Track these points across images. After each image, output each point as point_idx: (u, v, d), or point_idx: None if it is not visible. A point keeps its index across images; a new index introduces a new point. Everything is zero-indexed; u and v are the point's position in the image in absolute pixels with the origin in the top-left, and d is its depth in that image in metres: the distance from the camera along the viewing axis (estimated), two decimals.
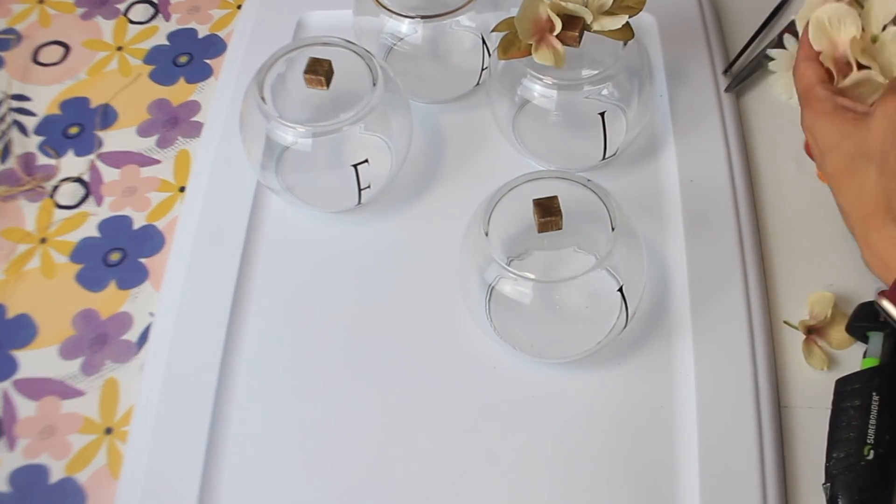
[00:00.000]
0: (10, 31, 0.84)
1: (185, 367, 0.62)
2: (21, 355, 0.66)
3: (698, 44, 0.76)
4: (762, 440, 0.57)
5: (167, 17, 0.85)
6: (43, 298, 0.68)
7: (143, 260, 0.70)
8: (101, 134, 0.77)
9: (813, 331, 0.62)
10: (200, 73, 0.81)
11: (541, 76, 0.64)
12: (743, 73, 0.74)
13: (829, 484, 0.55)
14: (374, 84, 0.64)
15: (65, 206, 0.73)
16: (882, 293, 0.48)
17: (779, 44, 0.76)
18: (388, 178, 0.68)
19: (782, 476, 0.57)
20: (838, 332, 0.61)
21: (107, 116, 0.78)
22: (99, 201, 0.73)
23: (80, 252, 0.70)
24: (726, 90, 0.74)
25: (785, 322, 0.63)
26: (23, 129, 0.78)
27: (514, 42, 0.63)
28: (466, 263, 0.60)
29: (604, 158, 0.68)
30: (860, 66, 0.50)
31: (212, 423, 0.60)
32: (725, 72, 0.75)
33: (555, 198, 0.58)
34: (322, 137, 0.63)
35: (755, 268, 0.64)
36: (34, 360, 0.65)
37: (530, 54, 0.62)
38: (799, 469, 0.57)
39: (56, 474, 0.61)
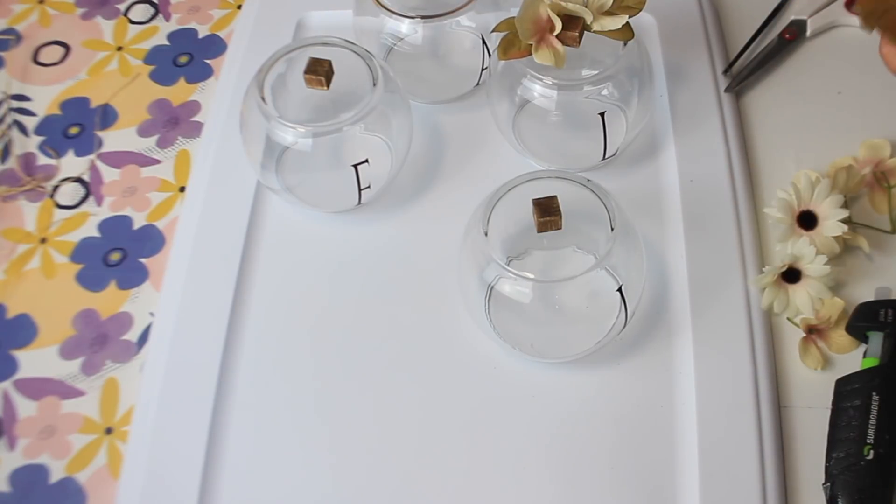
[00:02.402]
0: (10, 31, 0.85)
1: (186, 367, 0.62)
2: (21, 355, 0.66)
3: (698, 44, 0.76)
4: (762, 440, 0.57)
5: (167, 17, 0.85)
6: (43, 298, 0.68)
7: (143, 260, 0.70)
8: (101, 134, 0.77)
9: (814, 331, 0.61)
10: (200, 73, 0.81)
11: (541, 76, 0.64)
12: (743, 73, 0.74)
13: (829, 484, 0.55)
14: (375, 84, 0.64)
15: (65, 206, 0.73)
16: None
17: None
18: (388, 178, 0.68)
19: (782, 476, 0.57)
20: (840, 336, 0.61)
21: (107, 116, 0.78)
22: (99, 201, 0.73)
23: (81, 252, 0.70)
24: (726, 90, 0.74)
25: (788, 318, 0.63)
26: (23, 129, 0.78)
27: (514, 42, 0.63)
28: (466, 263, 0.60)
29: (604, 158, 0.68)
30: None
31: (212, 422, 0.60)
32: (725, 72, 0.75)
33: (554, 198, 0.58)
34: (322, 137, 0.63)
35: (755, 268, 0.64)
36: (34, 360, 0.65)
37: (530, 54, 0.62)
38: (799, 469, 0.57)
39: (56, 474, 0.61)
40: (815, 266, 0.61)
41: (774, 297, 0.61)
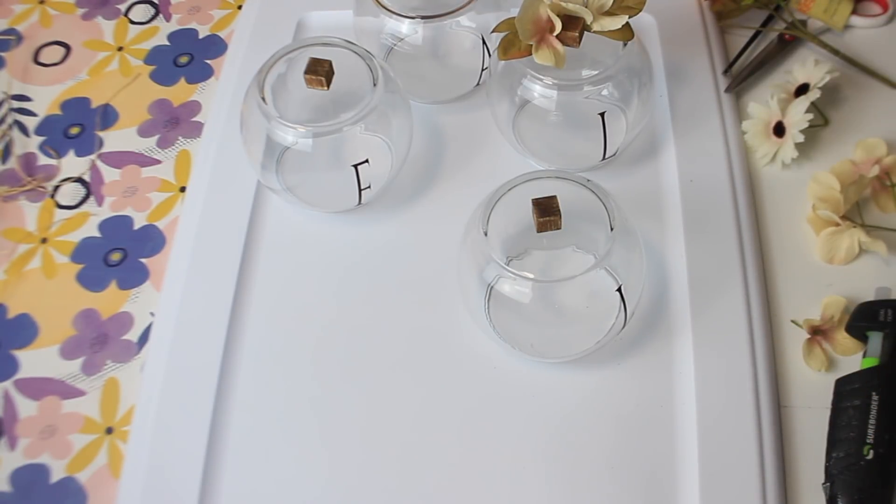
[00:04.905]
0: (10, 31, 0.85)
1: (186, 366, 0.62)
2: (22, 355, 0.66)
3: (698, 44, 0.76)
4: (762, 440, 0.57)
5: (168, 18, 0.85)
6: (44, 298, 0.68)
7: (143, 260, 0.70)
8: (101, 134, 0.77)
9: (819, 332, 0.61)
10: (201, 74, 0.81)
11: (541, 76, 0.64)
12: (743, 73, 0.74)
13: (829, 484, 0.55)
14: (375, 84, 0.64)
15: (65, 207, 0.73)
16: None
17: (779, 44, 0.76)
18: (388, 179, 0.69)
19: (782, 476, 0.57)
20: (845, 339, 0.61)
21: (107, 116, 0.78)
22: (100, 201, 0.73)
23: (81, 252, 0.70)
24: (726, 90, 0.74)
25: (792, 321, 0.63)
26: (24, 129, 0.78)
27: (514, 42, 0.63)
28: (466, 263, 0.60)
29: (604, 158, 0.68)
30: None
31: (212, 422, 0.60)
32: (725, 72, 0.75)
33: (554, 197, 0.58)
34: (322, 137, 0.63)
35: (755, 268, 0.64)
36: (35, 360, 0.65)
37: (530, 54, 0.62)
38: (799, 469, 0.57)
39: (57, 474, 0.61)
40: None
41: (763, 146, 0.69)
